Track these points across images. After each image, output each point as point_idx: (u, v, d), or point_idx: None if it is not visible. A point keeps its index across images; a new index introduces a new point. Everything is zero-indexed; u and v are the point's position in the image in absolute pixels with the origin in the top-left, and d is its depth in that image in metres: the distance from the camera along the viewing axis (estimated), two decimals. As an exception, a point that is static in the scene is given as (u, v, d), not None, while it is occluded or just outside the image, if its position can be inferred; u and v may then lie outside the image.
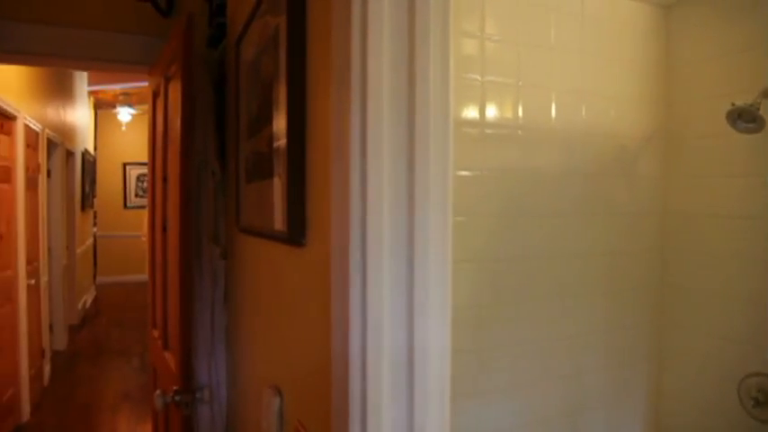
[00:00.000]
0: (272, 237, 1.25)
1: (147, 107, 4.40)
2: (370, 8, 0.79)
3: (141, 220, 9.27)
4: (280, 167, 1.15)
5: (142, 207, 9.71)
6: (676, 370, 2.18)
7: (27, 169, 4.01)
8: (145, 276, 8.07)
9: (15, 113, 3.70)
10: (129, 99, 8.14)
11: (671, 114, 2.20)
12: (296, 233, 1.05)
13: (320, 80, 0.99)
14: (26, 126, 3.99)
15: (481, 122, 1.86)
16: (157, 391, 1.78)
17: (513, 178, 1.92)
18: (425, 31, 0.81)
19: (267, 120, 1.25)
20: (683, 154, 2.16)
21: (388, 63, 0.80)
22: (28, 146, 4.06)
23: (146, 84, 2.59)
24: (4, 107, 3.43)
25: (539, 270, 1.97)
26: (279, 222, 1.16)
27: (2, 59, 2.52)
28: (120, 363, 5.43)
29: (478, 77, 1.85)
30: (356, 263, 0.79)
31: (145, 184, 9.93)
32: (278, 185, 1.17)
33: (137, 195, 10.16)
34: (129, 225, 9.83)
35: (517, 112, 1.92)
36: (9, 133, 3.66)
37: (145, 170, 9.61)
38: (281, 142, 1.13)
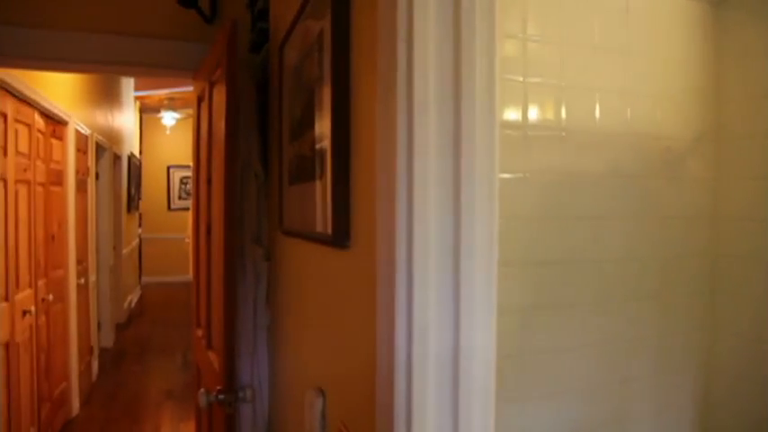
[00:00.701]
0: (316, 239, 1.26)
1: (190, 111, 4.50)
2: (415, 9, 0.78)
3: (184, 222, 9.51)
4: (323, 170, 1.15)
5: (185, 209, 9.96)
6: (726, 377, 2.10)
7: (77, 172, 4.16)
8: (188, 277, 8.26)
9: (67, 118, 3.84)
10: (173, 104, 8.36)
11: (721, 114, 2.12)
12: (340, 235, 1.06)
13: (364, 83, 0.99)
14: (76, 131, 4.14)
15: (523, 124, 1.83)
16: (201, 390, 1.82)
17: (557, 181, 1.88)
18: (471, 31, 0.80)
19: (310, 123, 1.27)
20: (734, 155, 2.08)
21: (433, 64, 0.79)
22: (78, 150, 4.22)
23: (189, 88, 2.65)
24: (57, 113, 3.57)
25: (583, 274, 1.93)
26: (322, 224, 1.17)
27: (59, 68, 2.62)
28: (164, 361, 5.57)
29: (520, 78, 1.83)
30: (402, 265, 0.79)
31: (188, 187, 10.17)
32: (321, 188, 1.17)
33: (180, 198, 10.42)
34: (172, 227, 10.08)
35: (560, 114, 1.89)
36: (61, 138, 3.81)
37: (188, 173, 9.85)
38: (325, 144, 1.13)
